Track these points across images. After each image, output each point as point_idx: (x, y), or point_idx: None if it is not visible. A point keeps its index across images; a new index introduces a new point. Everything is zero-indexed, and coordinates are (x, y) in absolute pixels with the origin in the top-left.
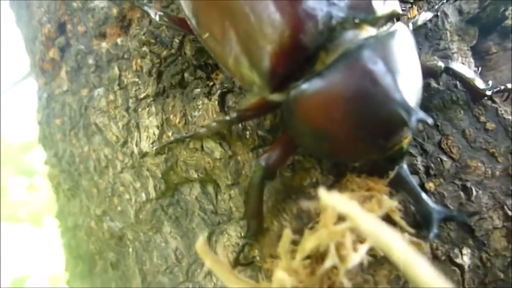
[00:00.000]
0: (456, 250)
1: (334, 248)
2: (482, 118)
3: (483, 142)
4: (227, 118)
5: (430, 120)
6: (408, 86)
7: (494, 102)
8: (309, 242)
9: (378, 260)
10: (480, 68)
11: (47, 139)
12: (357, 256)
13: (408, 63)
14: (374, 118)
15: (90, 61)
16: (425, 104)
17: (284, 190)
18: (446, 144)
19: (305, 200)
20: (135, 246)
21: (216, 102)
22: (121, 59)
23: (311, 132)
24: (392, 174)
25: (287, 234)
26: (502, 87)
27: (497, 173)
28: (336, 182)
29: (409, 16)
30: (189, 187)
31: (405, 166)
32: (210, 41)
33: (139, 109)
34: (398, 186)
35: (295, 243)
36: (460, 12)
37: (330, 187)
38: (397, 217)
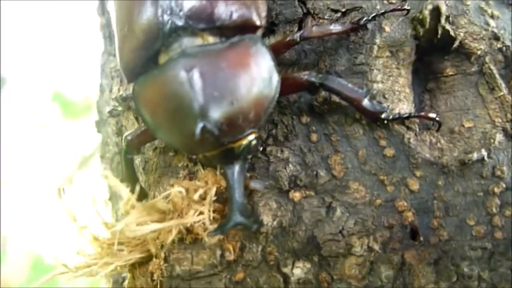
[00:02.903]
0: (290, 260)
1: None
2: (382, 142)
3: (374, 166)
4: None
5: (215, 131)
6: (222, 96)
7: (409, 128)
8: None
9: (202, 244)
10: (431, 90)
11: None
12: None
13: (241, 75)
14: (180, 119)
15: None
16: (325, 118)
17: (165, 167)
18: (334, 160)
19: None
20: None
21: None
22: None
23: (142, 118)
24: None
25: (129, 197)
26: (413, 114)
27: (378, 201)
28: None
29: (302, 26)
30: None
31: (235, 167)
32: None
33: None
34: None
35: None
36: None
37: (193, 173)
38: (206, 209)
